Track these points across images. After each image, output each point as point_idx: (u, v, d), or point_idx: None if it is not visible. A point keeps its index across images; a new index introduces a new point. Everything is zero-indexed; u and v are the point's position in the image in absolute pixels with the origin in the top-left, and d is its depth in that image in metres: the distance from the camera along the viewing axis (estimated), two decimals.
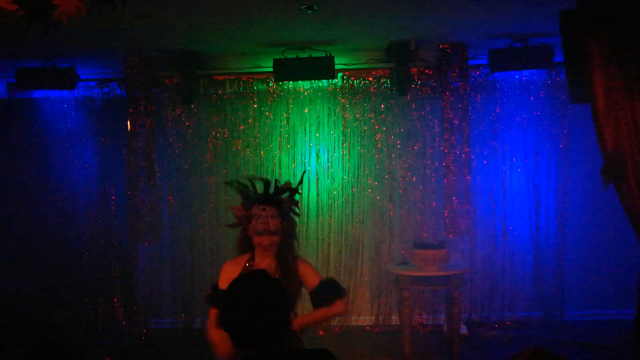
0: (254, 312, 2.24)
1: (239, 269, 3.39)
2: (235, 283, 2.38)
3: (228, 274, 3.32)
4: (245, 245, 3.48)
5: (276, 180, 3.60)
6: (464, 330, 6.43)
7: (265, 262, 3.40)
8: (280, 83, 6.84)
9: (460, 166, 6.49)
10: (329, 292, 3.37)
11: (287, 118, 6.95)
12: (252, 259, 3.45)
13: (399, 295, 6.17)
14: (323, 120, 6.95)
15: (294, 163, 6.97)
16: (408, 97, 6.77)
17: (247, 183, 3.54)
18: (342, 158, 6.94)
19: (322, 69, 6.28)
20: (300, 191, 3.64)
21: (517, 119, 6.83)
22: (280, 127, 6.97)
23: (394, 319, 6.79)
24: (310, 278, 3.42)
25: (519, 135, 6.85)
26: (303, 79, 6.62)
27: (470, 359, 6.00)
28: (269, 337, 2.26)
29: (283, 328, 2.29)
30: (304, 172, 4.55)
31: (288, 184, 3.58)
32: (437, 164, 6.74)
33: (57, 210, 7.14)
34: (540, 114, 6.78)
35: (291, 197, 3.55)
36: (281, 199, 3.52)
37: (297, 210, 3.63)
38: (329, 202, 6.93)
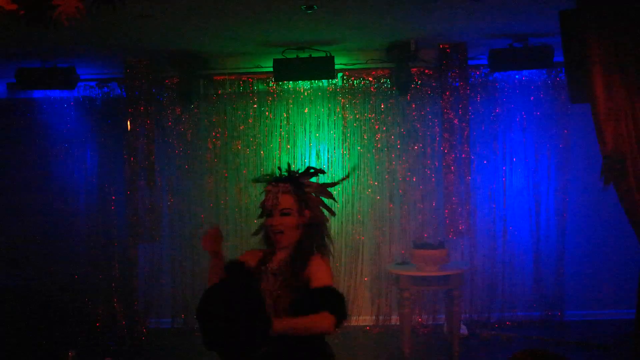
0: (230, 318, 2.22)
1: (256, 260, 2.91)
2: (211, 290, 2.37)
3: (244, 258, 2.93)
4: (267, 241, 2.96)
5: (309, 167, 3.09)
6: (464, 330, 6.43)
7: (279, 256, 2.88)
8: (280, 83, 6.84)
9: (460, 166, 6.49)
10: (322, 300, 2.67)
11: (287, 118, 6.95)
12: (273, 252, 2.92)
13: (399, 295, 6.16)
14: (323, 120, 6.95)
15: (294, 163, 6.97)
16: (408, 97, 6.77)
17: (276, 171, 3.06)
18: (342, 158, 6.93)
19: (322, 69, 6.28)
20: (331, 184, 3.24)
21: (517, 119, 6.83)
22: (280, 127, 6.97)
23: (394, 319, 6.79)
24: (316, 279, 2.74)
25: (519, 135, 6.85)
26: (303, 79, 6.62)
27: (470, 359, 5.99)
28: (246, 343, 2.24)
29: (261, 333, 2.27)
30: (354, 169, 3.66)
31: (317, 170, 3.11)
32: (437, 164, 6.74)
33: (57, 210, 7.15)
34: (540, 114, 6.79)
35: (317, 181, 3.11)
36: (300, 177, 3.01)
37: (327, 201, 3.08)
38: (329, 202, 6.91)
